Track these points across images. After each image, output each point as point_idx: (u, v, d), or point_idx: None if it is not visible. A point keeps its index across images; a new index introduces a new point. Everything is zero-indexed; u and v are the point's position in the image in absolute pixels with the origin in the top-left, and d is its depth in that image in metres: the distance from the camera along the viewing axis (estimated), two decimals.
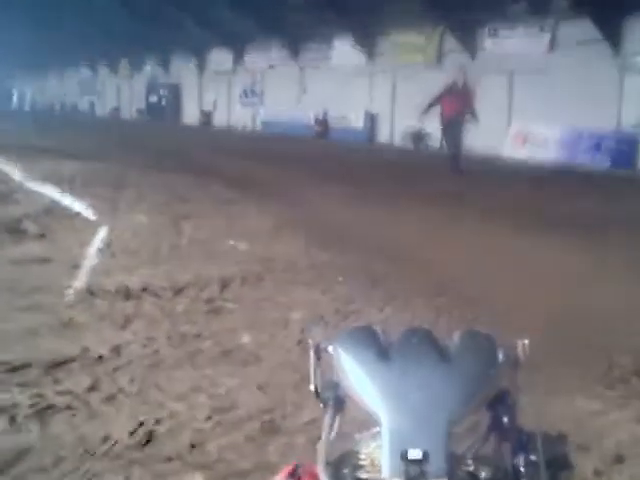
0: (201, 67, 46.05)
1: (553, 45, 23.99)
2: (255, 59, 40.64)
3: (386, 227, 9.78)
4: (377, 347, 1.25)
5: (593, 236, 9.10)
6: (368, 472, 1.18)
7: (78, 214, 10.19)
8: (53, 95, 68.13)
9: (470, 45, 27.25)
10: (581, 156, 22.46)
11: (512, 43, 25.38)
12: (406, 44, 29.80)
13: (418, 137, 28.64)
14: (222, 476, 3.34)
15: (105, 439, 3.60)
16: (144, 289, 6.32)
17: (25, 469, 3.30)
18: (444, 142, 18.83)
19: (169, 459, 3.46)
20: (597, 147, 22.24)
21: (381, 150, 28.11)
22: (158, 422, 3.82)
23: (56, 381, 4.29)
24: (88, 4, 41.22)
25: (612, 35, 21.70)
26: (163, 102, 49.97)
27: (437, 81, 26.87)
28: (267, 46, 38.27)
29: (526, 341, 1.32)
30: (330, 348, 1.31)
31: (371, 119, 32.34)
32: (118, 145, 24.22)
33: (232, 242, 8.39)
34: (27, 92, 74.59)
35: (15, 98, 76.49)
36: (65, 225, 9.33)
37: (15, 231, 8.76)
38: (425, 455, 1.10)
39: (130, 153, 20.84)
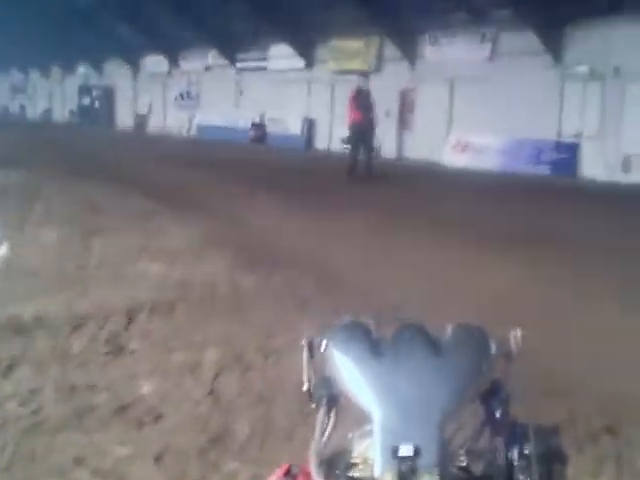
0: (136, 69, 44.89)
1: (494, 54, 23.73)
2: (191, 62, 39.78)
3: (316, 239, 9.13)
4: (369, 342, 1.25)
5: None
6: (361, 470, 1.17)
7: None
8: None
9: (410, 52, 26.90)
10: (521, 165, 22.26)
11: (453, 51, 25.08)
12: (345, 50, 29.40)
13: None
14: None
15: None
16: (38, 322, 5.44)
17: None
18: (350, 147, 18.33)
19: None
20: (537, 156, 22.08)
21: (316, 157, 27.49)
22: None
23: None
24: (20, 8, 39.91)
25: (552, 45, 21.55)
26: (96, 104, 48.71)
27: (376, 88, 26.75)
28: (204, 50, 37.49)
29: (519, 332, 1.30)
30: (323, 344, 1.30)
31: (309, 125, 31.70)
32: (42, 149, 22.98)
33: (146, 263, 7.51)
34: None
35: None
36: None
37: None
38: (417, 450, 1.08)
39: (53, 159, 19.67)
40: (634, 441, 3.76)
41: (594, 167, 20.55)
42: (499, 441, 1.24)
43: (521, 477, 1.20)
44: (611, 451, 3.68)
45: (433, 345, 1.23)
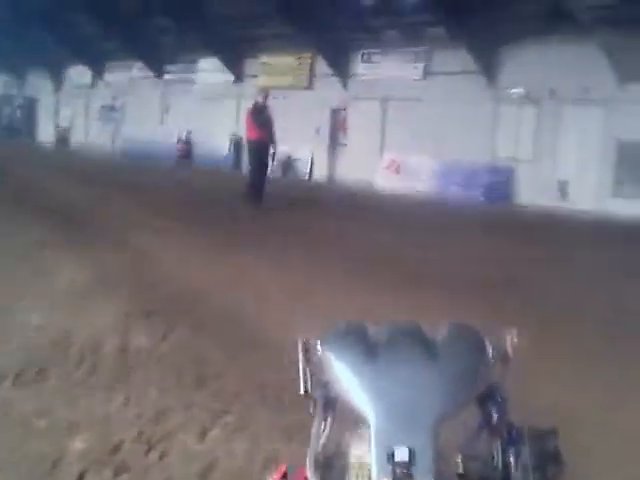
0: (59, 81, 43.03)
1: (427, 73, 23.13)
2: (116, 74, 38.31)
3: (225, 282, 7.85)
4: (364, 345, 1.24)
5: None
6: (357, 473, 1.17)
7: None
8: None
9: (342, 70, 26.17)
10: (455, 188, 21.64)
11: (386, 70, 24.45)
12: (276, 66, 28.60)
13: (286, 164, 27.41)
14: None
15: None
16: None
17: None
18: (250, 167, 16.33)
19: None
20: (471, 179, 21.47)
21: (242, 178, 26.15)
22: None
23: None
24: None
25: (487, 66, 21.06)
26: (18, 115, 46.56)
27: (308, 105, 25.97)
28: (129, 62, 36.16)
29: (514, 332, 1.30)
30: (319, 346, 1.30)
31: (237, 142, 30.44)
32: None
33: (23, 313, 6.14)
34: None
35: None
36: None
37: None
38: (412, 454, 1.09)
39: None
40: None
41: (529, 192, 20.06)
42: (496, 444, 1.23)
43: None
44: None
45: (429, 348, 1.23)
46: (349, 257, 9.69)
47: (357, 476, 1.16)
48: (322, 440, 1.21)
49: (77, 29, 34.97)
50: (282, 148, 26.96)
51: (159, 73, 34.94)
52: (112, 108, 39.18)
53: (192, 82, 32.89)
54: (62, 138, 41.89)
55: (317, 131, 26.61)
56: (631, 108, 17.44)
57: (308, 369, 1.30)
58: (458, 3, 19.38)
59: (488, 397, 1.24)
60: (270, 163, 16.41)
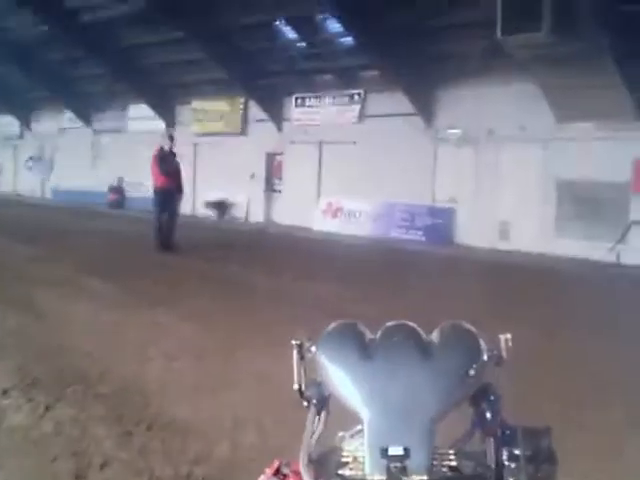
0: None
1: (363, 116, 22.73)
2: (44, 124, 37.31)
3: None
4: (359, 345, 1.23)
5: None
6: (351, 469, 1.16)
7: None
8: None
9: (276, 114, 25.67)
10: (395, 230, 21.20)
11: (320, 113, 24.00)
12: (208, 112, 28.04)
13: (221, 207, 27.03)
14: None
15: None
16: None
17: None
18: (156, 214, 15.29)
19: None
20: (411, 221, 21.05)
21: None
22: None
23: None
24: None
25: (423, 107, 20.74)
26: None
27: (244, 150, 25.39)
28: (58, 111, 35.26)
29: (509, 335, 1.28)
30: (313, 347, 1.29)
31: None
32: None
33: None
34: None
35: None
36: None
37: None
38: (406, 452, 1.08)
39: None
40: None
41: (470, 233, 19.64)
42: (489, 442, 1.23)
43: (511, 478, 1.17)
44: None
45: (423, 347, 1.22)
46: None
47: (351, 470, 1.15)
48: (315, 436, 1.19)
49: (3, 79, 33.81)
50: (218, 194, 26.41)
51: (88, 121, 34.08)
52: (39, 159, 38.03)
53: (123, 130, 32.07)
54: None
55: (252, 176, 25.97)
56: (570, 146, 17.25)
57: (302, 369, 1.30)
58: (392, 45, 19.05)
59: (482, 396, 1.23)
60: (178, 210, 15.74)
